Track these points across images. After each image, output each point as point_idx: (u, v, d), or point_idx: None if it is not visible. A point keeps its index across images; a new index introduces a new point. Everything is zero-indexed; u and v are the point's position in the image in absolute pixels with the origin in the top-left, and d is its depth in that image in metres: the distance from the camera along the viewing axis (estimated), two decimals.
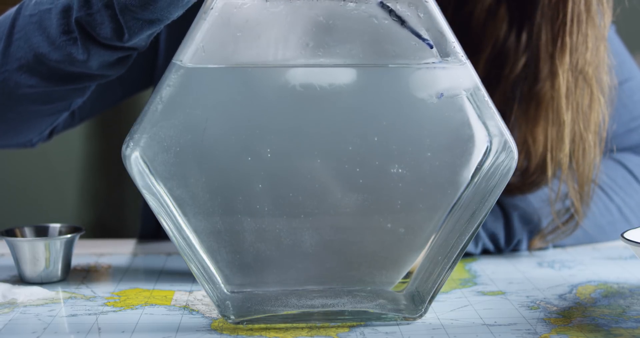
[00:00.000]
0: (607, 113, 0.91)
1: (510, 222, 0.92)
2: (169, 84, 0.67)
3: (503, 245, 0.93)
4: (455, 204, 0.68)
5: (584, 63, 0.89)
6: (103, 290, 0.80)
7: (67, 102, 0.88)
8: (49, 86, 0.83)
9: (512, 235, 0.93)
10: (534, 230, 0.93)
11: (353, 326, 0.70)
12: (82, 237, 0.86)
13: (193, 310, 0.74)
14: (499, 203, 0.93)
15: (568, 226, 0.92)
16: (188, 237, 0.68)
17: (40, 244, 0.81)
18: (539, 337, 0.67)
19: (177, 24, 0.93)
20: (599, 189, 0.98)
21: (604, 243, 0.98)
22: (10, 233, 0.84)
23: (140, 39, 0.78)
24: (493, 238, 0.92)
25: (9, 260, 0.89)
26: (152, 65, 1.06)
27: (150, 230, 1.12)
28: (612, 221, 0.98)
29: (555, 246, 0.96)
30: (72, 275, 0.85)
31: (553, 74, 0.89)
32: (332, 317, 0.70)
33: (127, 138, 0.67)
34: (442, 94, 0.67)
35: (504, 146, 0.68)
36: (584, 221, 0.95)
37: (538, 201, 0.94)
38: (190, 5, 0.74)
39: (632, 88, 1.04)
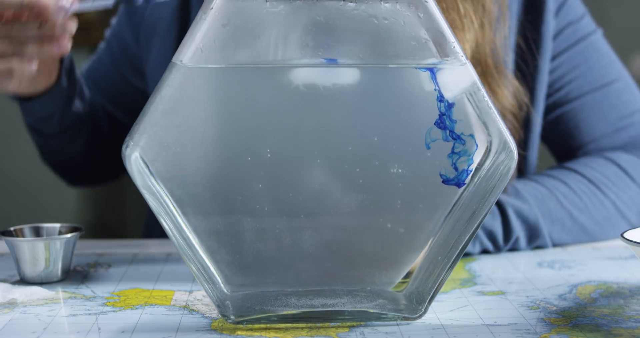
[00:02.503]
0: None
1: (507, 219, 0.93)
2: (169, 84, 0.67)
3: (502, 243, 0.93)
4: (455, 204, 0.68)
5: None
6: (103, 290, 0.80)
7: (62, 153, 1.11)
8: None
9: (510, 232, 0.93)
10: (532, 226, 0.94)
11: (353, 326, 0.70)
12: (82, 237, 0.86)
13: (193, 310, 0.74)
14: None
15: None
16: (188, 237, 0.68)
17: (40, 244, 0.81)
18: (539, 337, 0.67)
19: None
20: (592, 186, 0.99)
21: (604, 242, 0.98)
22: (10, 233, 0.84)
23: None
24: (491, 236, 0.92)
25: (9, 260, 0.89)
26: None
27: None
28: (608, 216, 0.99)
29: (555, 245, 0.96)
30: (72, 275, 0.85)
31: None
32: (332, 317, 0.70)
33: (127, 138, 0.67)
34: (446, 110, 0.67)
35: (504, 146, 0.68)
36: (580, 216, 0.96)
37: (533, 197, 0.95)
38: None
39: (620, 89, 1.06)
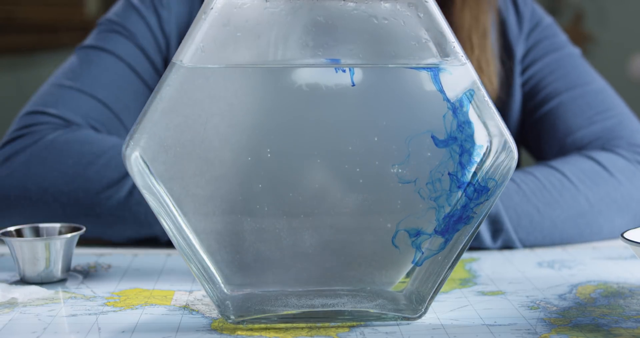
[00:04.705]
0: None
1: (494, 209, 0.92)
2: (169, 84, 0.67)
3: (489, 238, 0.93)
4: (455, 204, 0.68)
5: None
6: (103, 290, 0.80)
7: None
8: None
9: (500, 223, 0.93)
10: (492, 219, 0.93)
11: (353, 326, 0.70)
12: (82, 237, 0.86)
13: (193, 310, 0.74)
14: None
15: None
16: (188, 237, 0.68)
17: (40, 244, 0.81)
18: (539, 337, 0.67)
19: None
20: (565, 180, 0.98)
21: (604, 242, 0.98)
22: (10, 233, 0.84)
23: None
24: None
25: (9, 260, 0.89)
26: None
27: None
28: (581, 212, 0.97)
29: (525, 245, 0.95)
30: (72, 275, 0.85)
31: None
32: (332, 317, 0.70)
33: (127, 138, 0.67)
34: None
35: (504, 146, 0.68)
36: (549, 211, 0.95)
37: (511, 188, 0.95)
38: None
39: (597, 89, 1.11)
